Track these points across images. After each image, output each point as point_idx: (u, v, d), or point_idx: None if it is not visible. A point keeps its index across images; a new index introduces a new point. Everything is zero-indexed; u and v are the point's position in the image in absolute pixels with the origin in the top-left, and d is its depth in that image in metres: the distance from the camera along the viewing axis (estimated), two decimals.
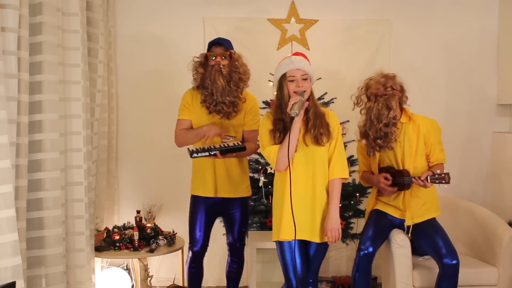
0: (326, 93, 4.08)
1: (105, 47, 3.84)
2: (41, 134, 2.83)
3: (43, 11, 2.79)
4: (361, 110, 3.33)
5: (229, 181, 3.25)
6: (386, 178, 3.23)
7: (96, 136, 3.73)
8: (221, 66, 3.15)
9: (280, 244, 2.76)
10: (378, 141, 3.21)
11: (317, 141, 2.72)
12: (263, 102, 4.07)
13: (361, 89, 3.29)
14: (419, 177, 3.12)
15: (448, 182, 3.05)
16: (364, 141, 3.29)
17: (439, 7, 4.40)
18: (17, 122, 2.55)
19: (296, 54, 2.86)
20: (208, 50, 3.23)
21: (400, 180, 3.21)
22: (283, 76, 2.73)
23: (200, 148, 3.09)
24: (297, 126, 2.67)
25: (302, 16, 4.33)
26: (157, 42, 4.31)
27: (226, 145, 3.12)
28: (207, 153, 3.08)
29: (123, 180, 4.38)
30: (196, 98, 3.23)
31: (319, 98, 4.04)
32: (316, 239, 2.77)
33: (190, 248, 3.33)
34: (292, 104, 2.62)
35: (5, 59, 2.41)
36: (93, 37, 3.59)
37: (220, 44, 3.20)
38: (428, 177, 3.09)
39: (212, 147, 3.09)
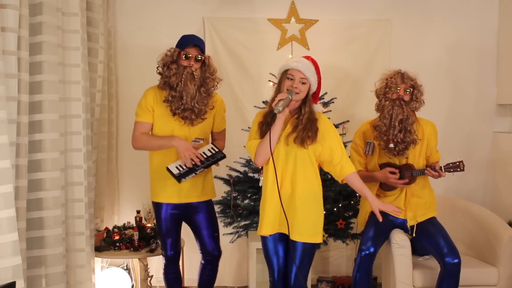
0: (326, 93, 4.07)
1: (105, 47, 3.84)
2: (41, 134, 2.83)
3: (43, 11, 2.80)
4: (378, 105, 3.32)
5: (194, 184, 3.13)
6: (392, 172, 3.22)
7: (96, 136, 3.74)
8: (193, 70, 3.01)
9: (263, 237, 2.84)
10: (400, 146, 3.20)
11: (302, 143, 2.73)
12: (263, 102, 4.07)
13: (386, 82, 3.25)
14: (432, 168, 3.12)
15: (463, 170, 3.07)
16: (392, 145, 3.21)
17: (439, 7, 4.40)
18: (17, 122, 2.55)
19: (307, 57, 2.87)
20: (181, 45, 3.05)
21: (409, 173, 3.20)
22: (285, 72, 2.78)
23: (183, 170, 2.99)
24: (280, 123, 2.71)
25: (302, 16, 4.33)
26: (157, 42, 4.30)
27: (207, 158, 3.05)
28: (193, 174, 3.01)
29: (123, 180, 4.37)
30: (160, 98, 3.08)
31: (319, 98, 4.03)
32: (299, 238, 2.76)
33: (163, 254, 3.24)
34: (278, 100, 2.65)
35: (5, 59, 2.41)
36: (93, 37, 3.59)
37: (195, 45, 3.05)
38: (442, 166, 3.09)
39: (195, 166, 3.00)
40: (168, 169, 3.01)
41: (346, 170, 2.79)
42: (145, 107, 3.11)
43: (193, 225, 3.23)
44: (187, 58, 3.02)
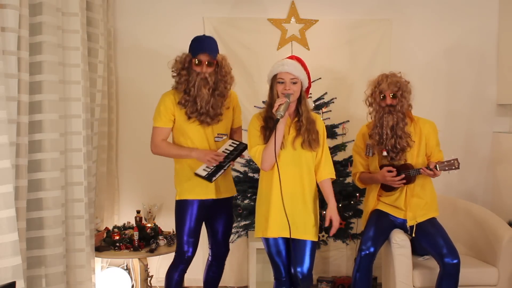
0: (326, 93, 4.07)
1: (105, 47, 3.84)
2: (41, 134, 2.83)
3: (43, 11, 2.80)
4: (370, 113, 3.33)
5: (224, 180, 3.20)
6: (389, 171, 3.22)
7: (96, 136, 3.73)
8: (207, 75, 3.01)
9: (266, 239, 2.89)
10: (392, 153, 3.22)
11: (310, 146, 2.83)
12: (263, 102, 4.06)
13: (373, 90, 3.26)
14: (427, 167, 3.12)
15: (458, 168, 3.07)
16: (385, 153, 3.23)
17: (439, 7, 4.40)
18: (17, 122, 2.55)
19: (291, 57, 2.94)
20: (193, 51, 3.05)
21: (406, 172, 3.21)
22: (274, 77, 2.85)
23: (212, 169, 3.02)
24: (282, 127, 2.77)
25: (302, 16, 4.33)
26: (157, 42, 4.31)
27: (230, 152, 3.07)
28: (222, 170, 3.04)
29: (123, 180, 4.37)
30: (178, 100, 3.09)
31: (319, 98, 4.04)
32: (305, 237, 2.86)
33: (179, 254, 3.14)
34: (278, 105, 2.71)
35: (5, 59, 2.41)
36: (93, 37, 3.59)
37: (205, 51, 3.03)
38: (437, 165, 3.10)
39: (221, 162, 3.03)
40: (196, 174, 3.03)
41: (321, 175, 2.93)
42: (164, 112, 3.09)
43: (213, 221, 3.24)
44: (198, 64, 3.03)
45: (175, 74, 3.12)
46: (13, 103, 2.50)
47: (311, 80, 3.02)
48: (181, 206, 3.16)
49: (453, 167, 3.09)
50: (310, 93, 3.96)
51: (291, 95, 2.78)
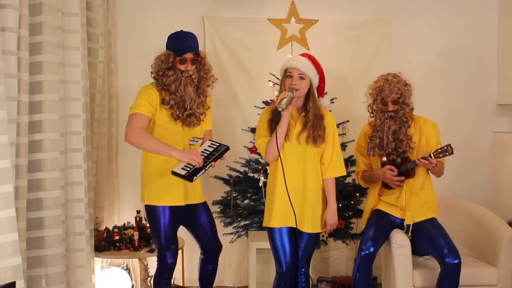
0: (326, 93, 4.05)
1: (105, 47, 3.84)
2: (41, 134, 2.84)
3: (43, 11, 2.80)
4: (371, 114, 3.34)
5: (193, 186, 3.07)
6: (391, 170, 3.22)
7: (96, 136, 3.74)
8: (191, 73, 2.95)
9: (270, 230, 2.96)
10: (392, 155, 3.23)
11: (315, 142, 2.89)
12: (263, 102, 4.07)
13: (374, 98, 3.26)
14: (422, 157, 3.12)
15: (452, 153, 3.07)
16: (385, 159, 3.25)
17: (439, 7, 4.40)
18: (17, 122, 2.56)
19: (303, 54, 3.02)
20: (176, 51, 2.97)
21: (404, 166, 3.22)
22: (285, 72, 2.95)
23: (191, 169, 2.79)
24: (285, 120, 2.83)
25: (302, 16, 4.33)
26: (157, 42, 4.28)
27: (211, 152, 2.93)
28: (203, 170, 2.84)
29: (123, 180, 4.37)
30: (161, 98, 2.96)
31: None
32: (307, 229, 2.94)
33: (161, 261, 3.06)
34: (281, 99, 2.79)
35: (5, 59, 2.41)
36: (93, 37, 3.59)
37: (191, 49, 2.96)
38: (431, 154, 3.10)
39: (204, 162, 2.85)
40: (175, 173, 2.82)
41: (327, 173, 2.98)
42: (146, 101, 2.91)
43: (195, 226, 3.17)
44: (183, 62, 2.95)
45: (160, 74, 2.98)
46: (13, 103, 2.51)
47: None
48: (153, 213, 3.05)
49: (447, 153, 3.07)
50: None
51: (295, 90, 2.86)
